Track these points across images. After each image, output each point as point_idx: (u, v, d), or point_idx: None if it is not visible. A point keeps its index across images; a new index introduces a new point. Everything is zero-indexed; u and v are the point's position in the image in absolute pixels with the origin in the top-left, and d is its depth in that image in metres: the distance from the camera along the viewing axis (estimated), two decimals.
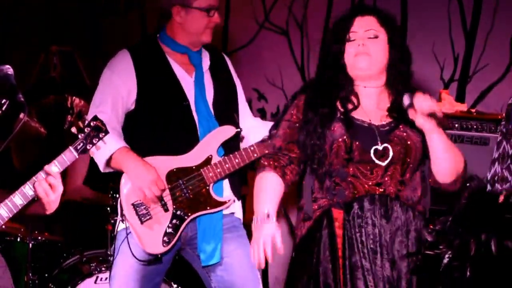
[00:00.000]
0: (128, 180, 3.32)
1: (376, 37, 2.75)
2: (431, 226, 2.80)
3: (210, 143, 3.36)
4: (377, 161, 2.70)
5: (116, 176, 4.39)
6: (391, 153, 2.71)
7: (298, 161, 2.80)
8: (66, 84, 5.02)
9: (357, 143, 2.72)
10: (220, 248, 3.36)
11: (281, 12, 5.56)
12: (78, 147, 2.85)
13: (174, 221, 3.31)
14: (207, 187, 3.35)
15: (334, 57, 2.77)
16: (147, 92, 3.36)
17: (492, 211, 2.60)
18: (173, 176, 3.33)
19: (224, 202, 3.37)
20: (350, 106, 2.78)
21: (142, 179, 3.23)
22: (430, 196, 4.22)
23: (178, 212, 3.31)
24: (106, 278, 4.04)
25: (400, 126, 2.76)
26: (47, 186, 2.82)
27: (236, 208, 3.48)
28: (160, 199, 3.30)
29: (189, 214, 3.33)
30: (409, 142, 2.73)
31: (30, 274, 4.13)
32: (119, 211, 3.36)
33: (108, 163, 3.32)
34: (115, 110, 3.34)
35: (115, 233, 3.41)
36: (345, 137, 2.72)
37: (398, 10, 5.14)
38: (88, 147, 2.87)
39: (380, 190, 2.70)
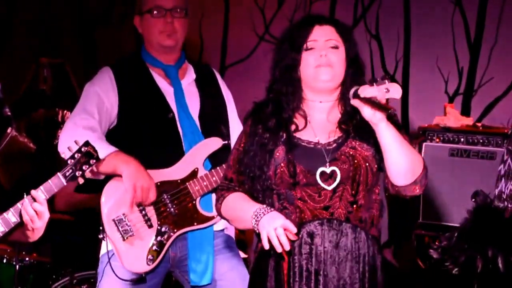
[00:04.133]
0: (109, 197, 3.20)
1: (336, 47, 2.62)
2: (437, 243, 2.71)
3: (195, 156, 3.25)
4: (322, 185, 2.58)
5: None
6: (338, 176, 2.58)
7: (251, 193, 2.68)
8: (56, 98, 4.91)
9: (301, 166, 2.59)
10: (212, 268, 3.24)
11: (281, 24, 5.47)
12: (67, 173, 2.71)
13: (159, 238, 3.18)
14: (194, 202, 3.23)
15: (287, 67, 2.63)
16: (130, 105, 3.28)
17: (498, 227, 2.56)
18: (157, 190, 3.19)
19: (212, 217, 3.23)
20: (299, 127, 2.64)
21: (141, 178, 3.11)
22: (430, 212, 4.26)
23: (163, 229, 3.19)
24: None
25: (348, 141, 2.63)
26: (33, 213, 2.68)
27: (226, 223, 3.31)
28: (144, 214, 3.19)
29: (175, 230, 3.20)
30: (357, 160, 2.60)
31: None
32: (100, 230, 3.24)
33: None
34: (102, 117, 3.25)
35: (98, 256, 3.27)
36: (288, 161, 2.60)
37: (402, 23, 5.12)
38: (77, 174, 2.72)
39: (328, 214, 2.58)
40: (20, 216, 2.69)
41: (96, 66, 6.00)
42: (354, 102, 2.50)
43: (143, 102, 3.28)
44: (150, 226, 3.19)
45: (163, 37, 3.31)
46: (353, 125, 2.63)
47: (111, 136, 3.29)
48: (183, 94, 3.33)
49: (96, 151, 2.75)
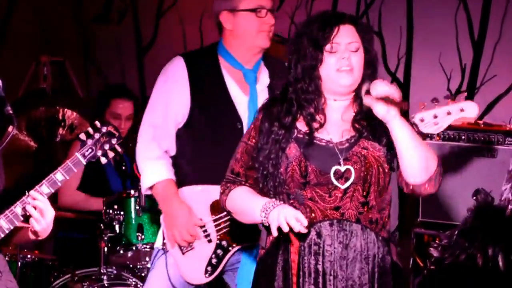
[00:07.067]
0: None
1: (357, 50, 2.60)
2: (437, 241, 2.70)
3: None
4: (336, 183, 2.56)
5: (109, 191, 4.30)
6: (353, 176, 2.57)
7: (257, 187, 2.67)
8: (57, 96, 4.89)
9: (313, 166, 2.56)
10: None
11: (282, 22, 5.43)
12: (86, 153, 2.62)
13: (218, 251, 3.20)
14: None
15: (310, 66, 2.60)
16: (199, 108, 3.22)
17: (499, 225, 2.50)
18: (218, 206, 3.12)
19: None
20: (316, 125, 2.62)
21: (173, 223, 3.16)
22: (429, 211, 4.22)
23: (223, 243, 3.20)
24: None
25: (360, 141, 2.61)
26: (34, 212, 2.62)
27: None
28: (204, 230, 3.20)
29: (234, 245, 3.21)
30: (368, 160, 2.58)
31: None
32: (160, 237, 3.27)
33: (151, 187, 3.24)
34: (168, 120, 3.22)
35: (155, 245, 3.32)
36: (299, 159, 2.58)
37: (404, 20, 5.10)
38: (98, 154, 2.64)
39: (338, 214, 2.57)
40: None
41: (95, 64, 6.00)
42: (366, 100, 2.50)
43: (213, 107, 3.22)
44: (210, 241, 3.20)
45: (262, 37, 3.23)
46: (366, 124, 2.61)
47: (178, 135, 3.24)
48: (257, 102, 3.21)
49: (117, 131, 2.65)
